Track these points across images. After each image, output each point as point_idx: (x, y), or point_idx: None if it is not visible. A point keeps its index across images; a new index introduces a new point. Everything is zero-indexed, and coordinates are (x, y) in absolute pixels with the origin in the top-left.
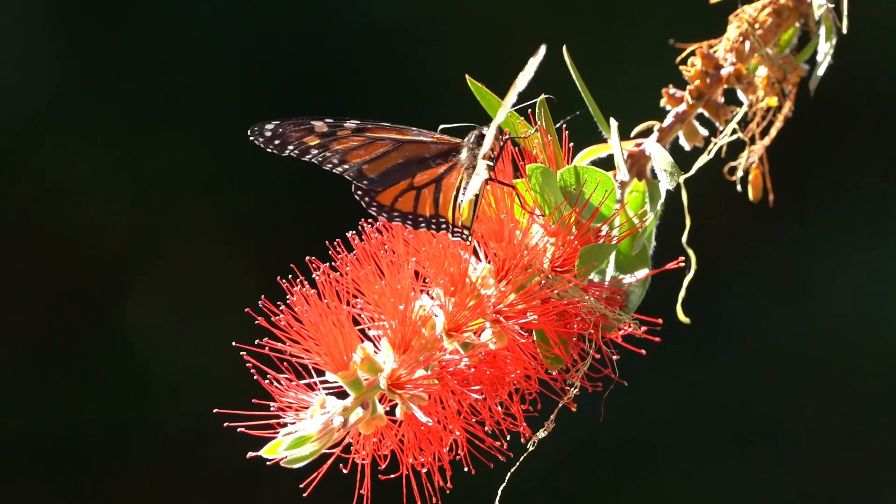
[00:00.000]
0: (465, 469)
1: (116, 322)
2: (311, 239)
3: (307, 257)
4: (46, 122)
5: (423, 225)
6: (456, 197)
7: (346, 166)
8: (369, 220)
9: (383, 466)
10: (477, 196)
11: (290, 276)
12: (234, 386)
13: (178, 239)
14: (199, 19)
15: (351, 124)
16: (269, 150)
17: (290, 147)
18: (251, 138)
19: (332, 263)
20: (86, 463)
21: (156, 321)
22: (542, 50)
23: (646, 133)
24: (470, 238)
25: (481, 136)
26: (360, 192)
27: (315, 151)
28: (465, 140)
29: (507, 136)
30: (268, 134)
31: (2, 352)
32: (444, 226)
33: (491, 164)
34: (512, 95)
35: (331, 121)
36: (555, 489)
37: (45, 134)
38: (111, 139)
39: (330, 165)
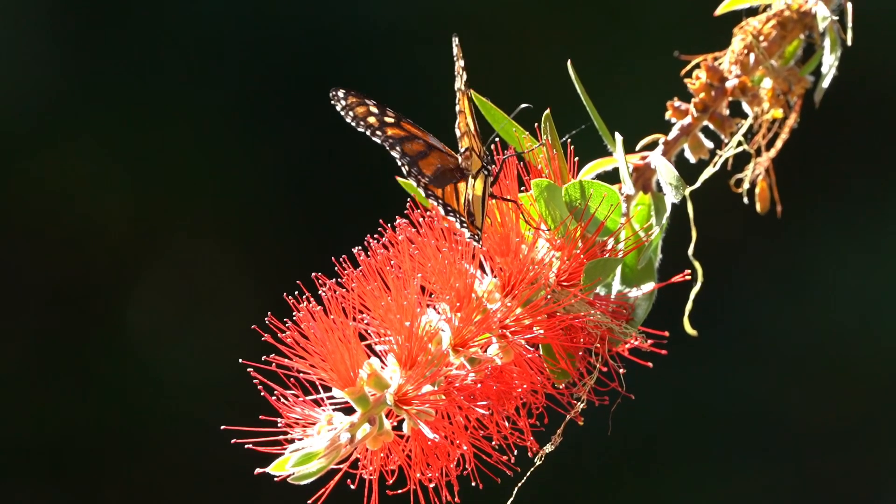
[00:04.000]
0: (473, 484)
1: (116, 323)
2: (311, 239)
3: (313, 273)
4: (47, 123)
5: (451, 216)
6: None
7: (407, 159)
8: (375, 236)
9: (391, 482)
10: (483, 199)
11: (296, 291)
12: (233, 386)
13: (178, 240)
14: (199, 20)
15: (391, 112)
16: (349, 121)
17: (362, 124)
18: (332, 102)
19: (338, 279)
20: (85, 463)
21: (156, 322)
22: (455, 40)
23: (651, 146)
24: (479, 240)
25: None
26: (416, 182)
27: (380, 134)
28: (459, 153)
29: (510, 153)
30: (343, 102)
31: (2, 352)
32: (464, 225)
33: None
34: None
35: (376, 102)
36: (555, 491)
37: (46, 135)
38: (112, 140)
39: (396, 154)
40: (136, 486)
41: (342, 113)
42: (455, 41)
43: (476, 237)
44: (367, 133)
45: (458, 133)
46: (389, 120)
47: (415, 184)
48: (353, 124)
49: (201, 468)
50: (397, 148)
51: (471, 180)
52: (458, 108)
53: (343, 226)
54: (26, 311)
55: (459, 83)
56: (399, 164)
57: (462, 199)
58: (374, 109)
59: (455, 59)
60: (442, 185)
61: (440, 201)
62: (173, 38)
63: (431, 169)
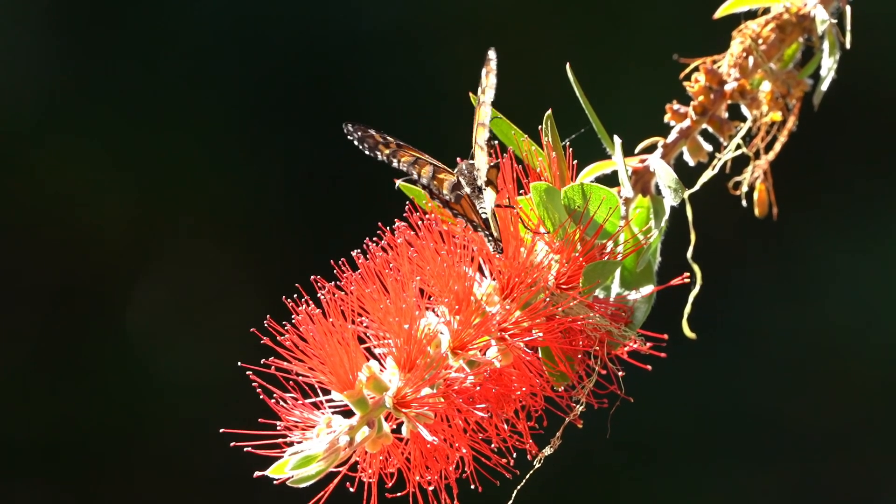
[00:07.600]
0: (472, 486)
1: (116, 323)
2: (311, 241)
3: (312, 277)
4: (46, 123)
5: (480, 231)
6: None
7: (424, 181)
8: (374, 238)
9: (390, 485)
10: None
11: (294, 294)
12: (233, 387)
13: (177, 241)
14: (199, 21)
15: (391, 138)
16: (367, 153)
17: (378, 153)
18: (349, 137)
19: (337, 282)
20: (85, 463)
21: (155, 323)
22: (493, 54)
23: (650, 149)
24: (499, 247)
25: (471, 164)
26: (442, 202)
27: (394, 160)
28: (457, 171)
29: (509, 157)
30: (356, 134)
31: (2, 352)
32: (490, 238)
33: (491, 182)
34: (485, 110)
35: (376, 130)
36: (555, 492)
37: (45, 135)
38: (111, 140)
39: (414, 176)
40: (136, 487)
41: (358, 146)
42: (492, 54)
43: (499, 248)
44: (385, 160)
45: (481, 143)
46: (394, 146)
47: (440, 204)
48: (371, 155)
49: (200, 469)
50: (413, 172)
51: (489, 191)
52: (484, 119)
53: (343, 227)
54: (26, 312)
55: (490, 96)
56: (421, 188)
57: (478, 210)
58: (379, 138)
59: (487, 72)
60: (459, 201)
61: (466, 218)
62: (173, 39)
63: (445, 185)
